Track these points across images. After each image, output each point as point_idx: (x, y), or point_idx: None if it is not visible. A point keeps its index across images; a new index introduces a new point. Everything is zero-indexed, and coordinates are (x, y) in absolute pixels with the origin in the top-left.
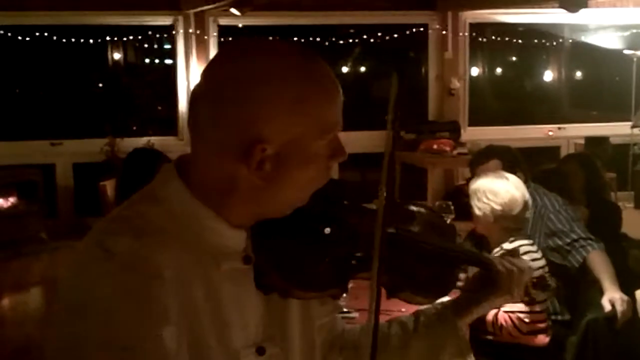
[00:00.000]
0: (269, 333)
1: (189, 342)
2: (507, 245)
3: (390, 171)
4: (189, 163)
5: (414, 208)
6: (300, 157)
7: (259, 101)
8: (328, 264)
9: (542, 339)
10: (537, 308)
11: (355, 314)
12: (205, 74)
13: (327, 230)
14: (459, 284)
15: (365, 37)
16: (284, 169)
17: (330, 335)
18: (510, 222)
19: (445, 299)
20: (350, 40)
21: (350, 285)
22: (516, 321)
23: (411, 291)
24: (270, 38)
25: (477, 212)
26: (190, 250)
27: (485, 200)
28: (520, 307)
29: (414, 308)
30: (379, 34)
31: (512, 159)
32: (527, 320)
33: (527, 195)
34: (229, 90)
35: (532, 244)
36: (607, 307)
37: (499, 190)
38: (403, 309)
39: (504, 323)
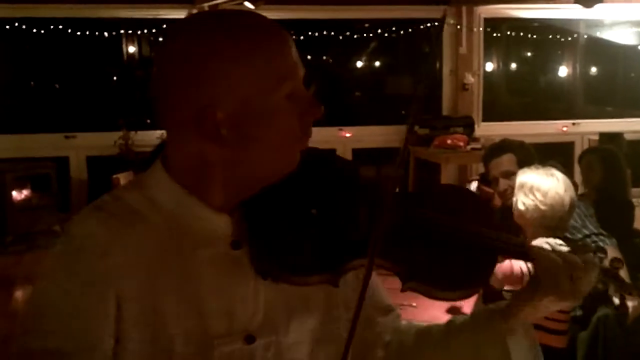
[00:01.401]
0: (270, 322)
1: (148, 324)
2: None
3: (402, 159)
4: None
5: (437, 187)
6: (258, 115)
7: (197, 67)
8: (314, 247)
9: (561, 341)
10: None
11: (414, 304)
12: (154, 60)
13: (314, 211)
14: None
15: (379, 31)
16: (244, 130)
17: (370, 331)
18: (552, 222)
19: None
20: (365, 35)
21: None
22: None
23: (426, 283)
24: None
25: (520, 206)
26: (166, 234)
27: (532, 197)
28: None
29: (425, 301)
30: (394, 28)
31: (526, 154)
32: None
33: (575, 198)
34: (169, 65)
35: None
36: (617, 301)
37: (548, 190)
38: (414, 304)
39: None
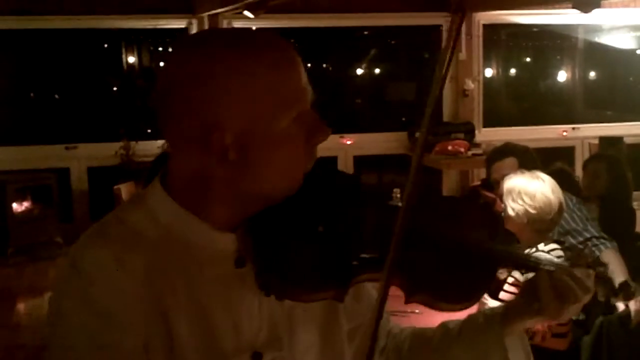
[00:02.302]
0: (274, 337)
1: (165, 348)
2: (542, 247)
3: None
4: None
5: (445, 198)
6: (265, 140)
7: (207, 85)
8: (320, 264)
9: (562, 344)
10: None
11: (417, 310)
12: (159, 72)
13: (321, 228)
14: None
15: (379, 38)
16: (251, 154)
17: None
18: (543, 225)
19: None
20: (365, 42)
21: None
22: (552, 325)
23: (431, 295)
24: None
25: (510, 212)
26: (170, 254)
27: (520, 202)
28: None
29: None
30: (394, 35)
31: (529, 159)
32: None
33: (562, 198)
34: (177, 80)
35: (563, 249)
36: (621, 306)
37: (535, 192)
38: (417, 310)
39: (539, 327)
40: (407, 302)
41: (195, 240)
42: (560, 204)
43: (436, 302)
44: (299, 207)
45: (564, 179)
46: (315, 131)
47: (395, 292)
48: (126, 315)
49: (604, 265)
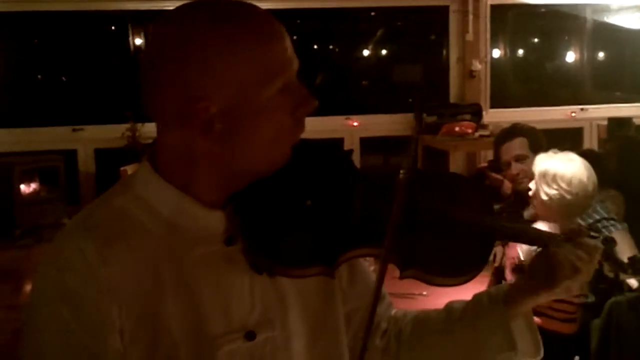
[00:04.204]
0: (267, 318)
1: (147, 336)
2: None
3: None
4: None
5: (438, 174)
6: (251, 110)
7: (190, 57)
8: (309, 239)
9: (571, 327)
10: (575, 300)
11: (424, 292)
12: (143, 48)
13: (309, 202)
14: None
15: (386, 20)
16: (236, 125)
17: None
18: (578, 210)
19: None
20: (371, 24)
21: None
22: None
23: (424, 269)
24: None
25: (543, 196)
26: (158, 236)
27: (555, 187)
28: None
29: (436, 290)
30: (400, 16)
31: (537, 140)
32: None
33: (596, 181)
34: (159, 55)
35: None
36: (635, 284)
37: (571, 177)
38: (424, 292)
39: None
40: (401, 277)
41: (184, 219)
42: (595, 189)
43: (430, 277)
44: (285, 182)
45: (595, 162)
46: (301, 102)
47: (396, 273)
48: (100, 303)
49: (613, 240)
